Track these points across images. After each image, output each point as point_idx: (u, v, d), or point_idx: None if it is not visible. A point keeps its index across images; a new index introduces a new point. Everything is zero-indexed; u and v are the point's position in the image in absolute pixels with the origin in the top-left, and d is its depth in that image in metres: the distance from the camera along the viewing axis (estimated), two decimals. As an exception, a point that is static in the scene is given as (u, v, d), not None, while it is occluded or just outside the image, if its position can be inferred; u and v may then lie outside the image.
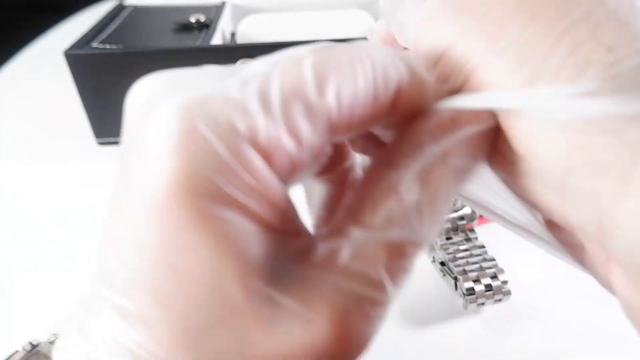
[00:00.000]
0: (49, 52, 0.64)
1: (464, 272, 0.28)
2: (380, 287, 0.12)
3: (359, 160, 0.18)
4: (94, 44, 0.41)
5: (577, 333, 0.27)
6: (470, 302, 0.27)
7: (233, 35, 0.52)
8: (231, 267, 0.11)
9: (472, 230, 0.31)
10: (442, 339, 0.27)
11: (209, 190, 0.10)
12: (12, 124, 0.51)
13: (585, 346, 0.26)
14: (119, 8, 0.50)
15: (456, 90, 0.13)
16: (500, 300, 0.28)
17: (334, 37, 0.40)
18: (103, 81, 0.39)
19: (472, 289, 0.27)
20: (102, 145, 0.43)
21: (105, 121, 0.42)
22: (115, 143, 0.43)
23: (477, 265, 0.28)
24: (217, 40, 0.45)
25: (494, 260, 0.28)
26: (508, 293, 0.27)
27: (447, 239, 0.30)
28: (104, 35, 0.43)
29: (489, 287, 0.27)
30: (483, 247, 0.29)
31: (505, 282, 0.28)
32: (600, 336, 0.27)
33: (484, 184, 0.15)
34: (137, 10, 0.51)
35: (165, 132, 0.11)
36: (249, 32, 0.48)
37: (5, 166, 0.43)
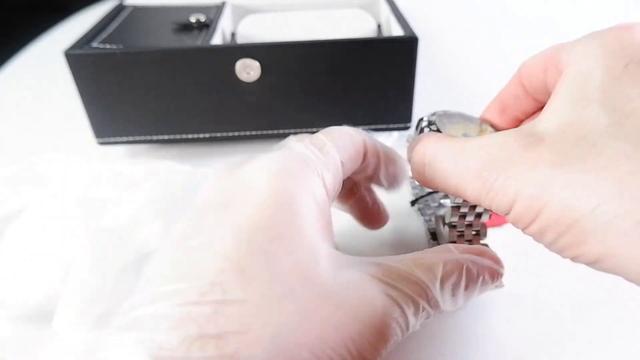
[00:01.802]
0: (49, 52, 0.64)
1: None
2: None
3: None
4: (94, 44, 0.41)
5: (575, 318, 0.27)
6: None
7: (233, 35, 0.52)
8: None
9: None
10: (434, 328, 0.27)
11: None
12: (12, 123, 0.51)
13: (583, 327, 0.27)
14: (119, 8, 0.50)
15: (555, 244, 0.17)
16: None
17: (334, 36, 0.40)
18: (103, 81, 0.39)
19: None
20: (102, 145, 0.43)
21: (106, 121, 0.42)
22: (116, 143, 0.43)
23: None
24: (217, 40, 0.45)
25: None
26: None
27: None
28: (104, 35, 0.43)
29: None
30: (486, 245, 0.29)
31: None
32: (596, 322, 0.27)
33: None
34: (137, 10, 0.51)
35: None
36: (249, 32, 0.48)
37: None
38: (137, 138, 0.43)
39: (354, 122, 0.43)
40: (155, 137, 0.43)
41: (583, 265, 0.16)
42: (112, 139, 0.43)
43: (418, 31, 0.41)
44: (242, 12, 0.54)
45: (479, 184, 0.18)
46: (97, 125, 0.42)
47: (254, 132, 0.43)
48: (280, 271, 0.15)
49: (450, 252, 0.21)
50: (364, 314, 0.16)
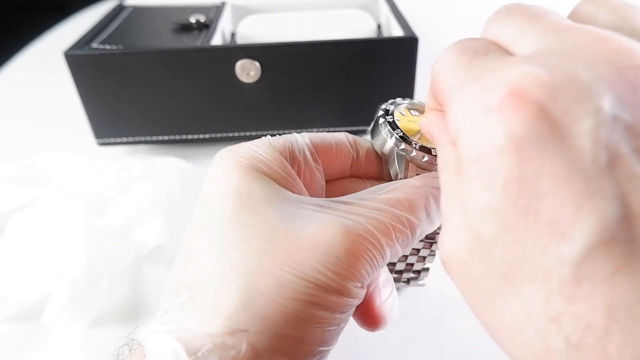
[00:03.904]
0: (49, 52, 0.64)
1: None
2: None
3: None
4: (94, 45, 0.41)
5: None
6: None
7: (233, 35, 0.52)
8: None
9: None
10: (434, 329, 0.27)
11: None
12: (11, 124, 0.51)
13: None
14: (119, 8, 0.50)
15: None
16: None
17: (333, 37, 0.40)
18: (103, 81, 0.39)
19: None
20: (102, 145, 0.43)
21: (106, 122, 0.42)
22: (115, 144, 0.43)
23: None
24: (217, 40, 0.45)
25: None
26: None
27: None
28: (104, 35, 0.43)
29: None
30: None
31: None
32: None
33: None
34: (137, 10, 0.51)
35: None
36: (249, 32, 0.48)
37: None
38: (137, 139, 0.43)
39: (354, 123, 0.43)
40: (155, 138, 0.43)
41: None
42: (112, 140, 0.43)
43: (418, 31, 0.41)
44: (242, 12, 0.54)
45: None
46: (96, 126, 0.42)
47: (254, 133, 0.43)
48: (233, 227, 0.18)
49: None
50: (322, 236, 0.17)
